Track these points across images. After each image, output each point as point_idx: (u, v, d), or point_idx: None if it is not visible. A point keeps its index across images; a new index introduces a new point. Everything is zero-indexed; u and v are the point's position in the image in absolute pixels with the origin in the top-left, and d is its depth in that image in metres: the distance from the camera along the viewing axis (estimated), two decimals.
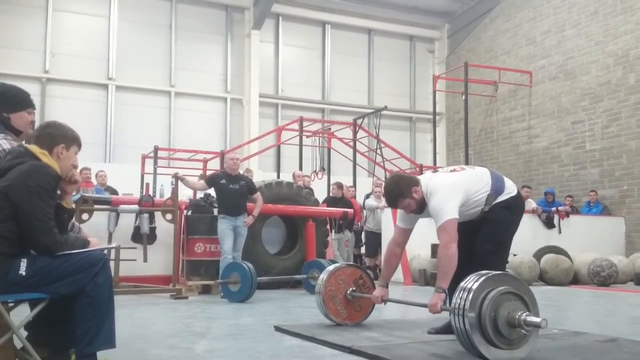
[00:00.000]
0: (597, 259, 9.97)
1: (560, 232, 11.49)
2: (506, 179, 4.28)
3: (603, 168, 13.20)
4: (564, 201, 12.59)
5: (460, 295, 3.32)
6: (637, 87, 12.64)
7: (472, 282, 3.34)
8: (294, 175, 10.73)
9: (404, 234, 4.39)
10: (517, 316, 3.24)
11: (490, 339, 3.22)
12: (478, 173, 4.22)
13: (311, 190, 10.08)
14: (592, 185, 13.22)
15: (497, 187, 4.14)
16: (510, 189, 4.21)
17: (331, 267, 4.88)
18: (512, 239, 4.26)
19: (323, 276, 4.75)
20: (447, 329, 4.24)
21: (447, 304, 4.04)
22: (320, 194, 10.96)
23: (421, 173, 13.75)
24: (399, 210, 4.44)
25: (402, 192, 4.09)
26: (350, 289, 4.72)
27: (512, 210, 4.17)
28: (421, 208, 4.12)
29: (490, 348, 3.23)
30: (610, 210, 12.79)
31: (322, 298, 4.66)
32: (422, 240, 9.01)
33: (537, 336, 3.38)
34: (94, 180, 10.37)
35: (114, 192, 10.30)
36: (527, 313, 3.26)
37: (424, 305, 4.02)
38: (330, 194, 10.94)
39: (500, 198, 4.12)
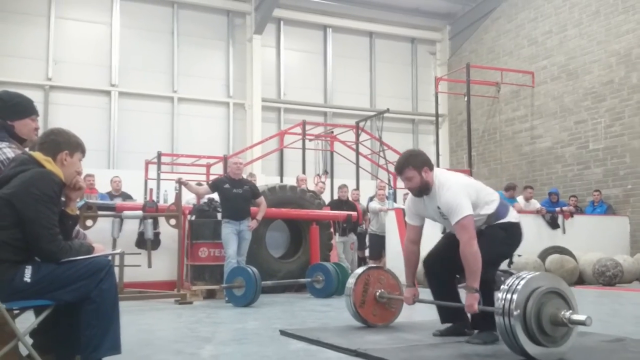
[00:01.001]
0: (602, 258, 9.95)
1: (564, 232, 11.46)
2: (512, 210, 4.26)
3: (607, 167, 13.17)
4: (568, 201, 12.57)
5: (505, 296, 3.39)
6: (639, 86, 12.62)
7: (515, 283, 3.42)
8: (297, 179, 10.72)
9: (416, 231, 4.38)
10: (561, 314, 3.33)
11: (535, 338, 3.31)
12: (489, 190, 4.23)
13: (315, 194, 10.07)
14: (596, 184, 13.19)
15: (501, 212, 4.12)
16: (512, 218, 4.18)
17: (372, 265, 5.10)
18: (504, 257, 4.24)
19: (361, 270, 4.91)
20: (452, 332, 4.26)
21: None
22: (323, 197, 10.95)
23: None
24: (406, 208, 4.46)
25: (413, 162, 4.08)
26: (381, 290, 4.80)
27: (509, 232, 4.14)
28: (421, 191, 4.10)
29: (535, 346, 3.33)
30: (615, 210, 12.76)
31: (354, 287, 4.74)
32: (426, 242, 9.01)
33: (576, 334, 3.48)
34: (99, 187, 10.40)
35: (129, 197, 10.34)
36: (571, 311, 3.36)
37: (454, 306, 4.07)
38: (337, 197, 10.91)
39: (500, 221, 4.11)
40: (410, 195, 4.31)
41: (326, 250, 9.27)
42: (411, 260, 4.42)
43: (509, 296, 3.36)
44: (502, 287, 3.48)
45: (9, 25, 14.18)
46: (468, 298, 3.87)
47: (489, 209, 4.08)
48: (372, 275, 4.84)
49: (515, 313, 3.29)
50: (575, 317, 3.32)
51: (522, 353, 3.34)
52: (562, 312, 3.34)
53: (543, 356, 3.35)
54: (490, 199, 4.12)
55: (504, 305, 3.36)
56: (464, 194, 3.95)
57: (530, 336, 3.31)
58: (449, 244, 4.20)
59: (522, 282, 3.39)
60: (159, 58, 15.53)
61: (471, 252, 3.82)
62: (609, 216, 12.47)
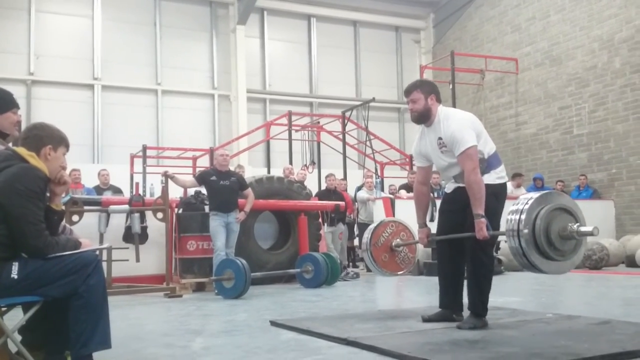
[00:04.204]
0: (588, 242, 10.04)
1: None
2: (502, 165, 4.33)
3: (591, 152, 13.28)
4: (555, 186, 12.67)
5: (513, 217, 3.55)
6: (622, 71, 12.72)
7: (522, 204, 3.58)
8: (284, 169, 10.70)
9: (424, 172, 4.48)
10: (569, 228, 3.51)
11: (547, 253, 3.49)
12: (488, 136, 4.29)
13: (303, 184, 10.07)
14: (581, 169, 13.31)
15: (493, 162, 4.17)
16: (503, 174, 4.24)
17: (379, 220, 5.18)
18: (499, 227, 4.28)
19: (390, 219, 5.17)
20: (440, 317, 4.29)
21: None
22: (311, 187, 10.95)
23: (411, 164, 13.83)
24: (413, 151, 4.56)
25: (422, 87, 4.25)
26: (396, 239, 4.91)
27: (499, 198, 4.19)
28: (421, 116, 4.21)
29: (546, 261, 3.52)
30: (600, 194, 12.88)
31: (375, 229, 4.88)
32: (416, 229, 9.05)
33: (585, 246, 3.69)
34: (85, 182, 10.32)
35: (118, 190, 10.28)
36: (578, 224, 3.53)
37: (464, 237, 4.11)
38: (326, 186, 10.89)
39: (491, 178, 4.09)
40: (416, 139, 4.44)
41: (315, 240, 9.28)
42: (421, 201, 4.49)
43: (517, 217, 3.51)
44: (510, 209, 3.62)
45: None
46: (477, 224, 3.92)
47: (489, 149, 4.16)
48: (397, 227, 4.96)
49: (524, 232, 3.45)
50: (583, 229, 3.51)
51: (534, 269, 3.53)
52: (570, 226, 3.50)
53: (555, 270, 3.58)
54: (486, 144, 4.19)
55: (512, 226, 3.52)
56: (469, 126, 4.09)
57: (541, 252, 3.48)
58: (452, 223, 4.23)
59: (530, 202, 3.53)
60: (142, 50, 15.39)
61: (475, 180, 3.94)
62: (594, 200, 12.57)
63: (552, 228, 3.48)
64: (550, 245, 3.48)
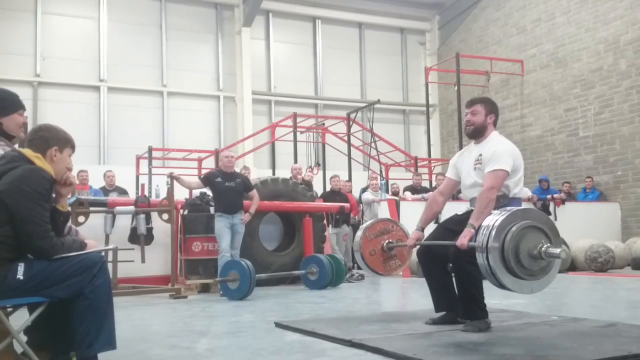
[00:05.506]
0: (594, 245, 10.00)
1: (556, 219, 11.51)
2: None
3: (597, 154, 13.25)
4: (562, 188, 12.64)
5: (484, 232, 3.46)
6: (628, 73, 12.68)
7: (495, 220, 3.48)
8: (292, 169, 10.67)
9: (449, 185, 4.47)
10: (537, 248, 3.40)
11: (513, 271, 3.39)
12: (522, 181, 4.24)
13: (309, 186, 10.06)
14: (587, 172, 13.27)
15: (514, 205, 4.05)
16: None
17: (372, 220, 5.08)
18: None
19: (367, 224, 4.96)
20: (445, 320, 4.28)
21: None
22: (316, 189, 10.96)
23: (416, 165, 13.82)
24: (451, 161, 4.55)
25: (486, 103, 4.27)
26: (388, 240, 4.83)
27: None
28: (475, 130, 4.21)
29: (514, 279, 3.42)
30: (606, 196, 12.84)
31: (375, 222, 4.84)
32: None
33: (559, 267, 3.56)
34: (91, 183, 10.36)
35: (123, 191, 10.31)
36: (548, 245, 3.41)
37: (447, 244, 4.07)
38: (331, 188, 10.89)
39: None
40: (459, 151, 4.49)
41: (319, 242, 9.28)
42: (431, 207, 4.49)
43: (487, 232, 3.43)
44: (483, 223, 3.54)
45: None
46: (465, 231, 3.86)
47: (516, 191, 4.11)
48: (396, 230, 4.87)
49: (492, 248, 3.37)
50: (551, 250, 3.39)
51: (501, 287, 3.45)
52: (539, 246, 3.39)
53: (520, 288, 3.48)
54: (521, 183, 4.17)
55: (482, 241, 3.43)
56: (512, 156, 4.06)
57: (508, 269, 3.39)
58: (441, 237, 4.21)
59: (501, 218, 3.44)
60: (148, 52, 15.45)
61: (488, 197, 3.90)
62: (600, 203, 12.54)
63: (521, 246, 3.38)
64: (518, 263, 3.38)
